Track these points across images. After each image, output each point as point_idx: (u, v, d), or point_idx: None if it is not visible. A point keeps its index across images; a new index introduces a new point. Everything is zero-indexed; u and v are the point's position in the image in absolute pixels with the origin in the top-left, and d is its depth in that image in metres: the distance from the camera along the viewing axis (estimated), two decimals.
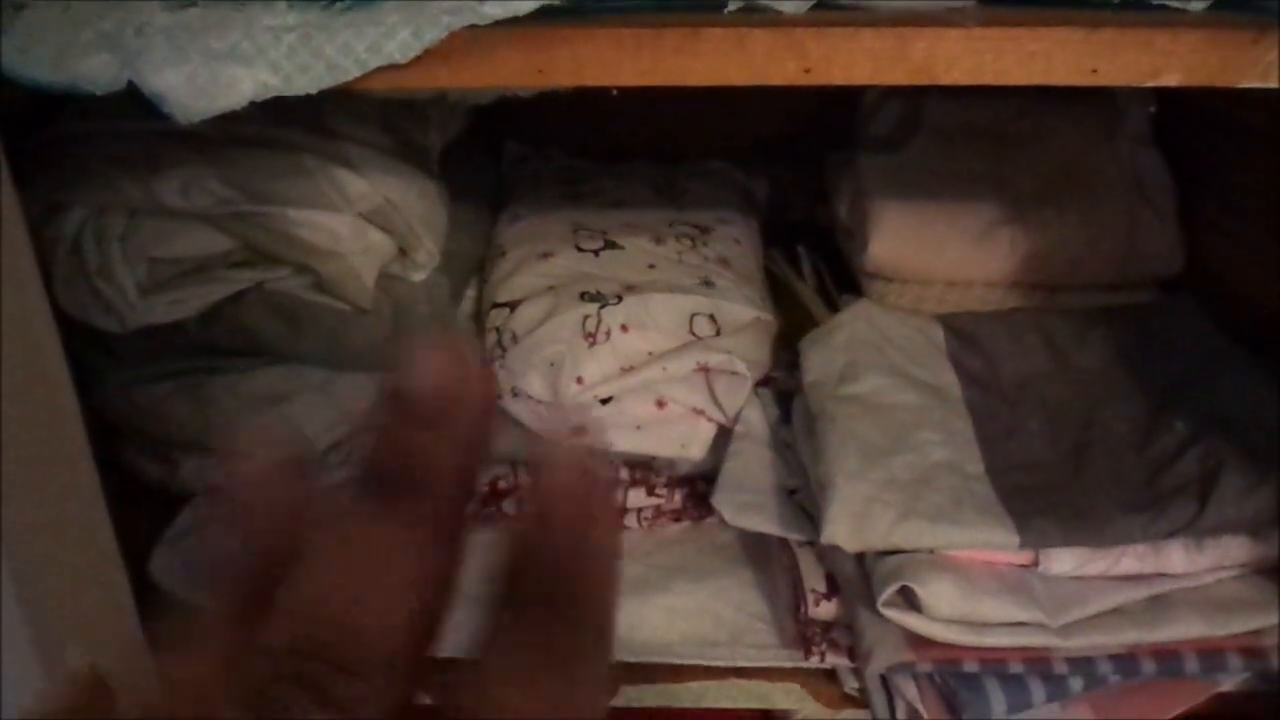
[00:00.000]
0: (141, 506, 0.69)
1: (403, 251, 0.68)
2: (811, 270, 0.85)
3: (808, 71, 0.45)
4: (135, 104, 0.43)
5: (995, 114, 0.80)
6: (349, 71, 0.44)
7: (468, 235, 0.77)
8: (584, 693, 0.18)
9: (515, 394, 0.66)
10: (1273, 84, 0.45)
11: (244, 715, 0.16)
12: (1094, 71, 0.45)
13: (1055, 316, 0.69)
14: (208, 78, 0.42)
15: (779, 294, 0.84)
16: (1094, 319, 0.69)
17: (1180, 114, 0.78)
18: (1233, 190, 0.74)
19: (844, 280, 0.81)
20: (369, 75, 0.45)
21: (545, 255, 0.72)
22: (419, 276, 0.69)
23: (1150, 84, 0.45)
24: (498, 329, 0.67)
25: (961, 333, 0.68)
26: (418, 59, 0.45)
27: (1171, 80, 0.45)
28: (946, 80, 0.45)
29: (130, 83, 0.42)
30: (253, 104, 0.63)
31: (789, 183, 0.94)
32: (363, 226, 0.65)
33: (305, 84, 0.44)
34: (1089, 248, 0.73)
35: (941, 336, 0.67)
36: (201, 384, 0.67)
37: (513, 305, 0.68)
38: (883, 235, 0.75)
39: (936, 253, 0.75)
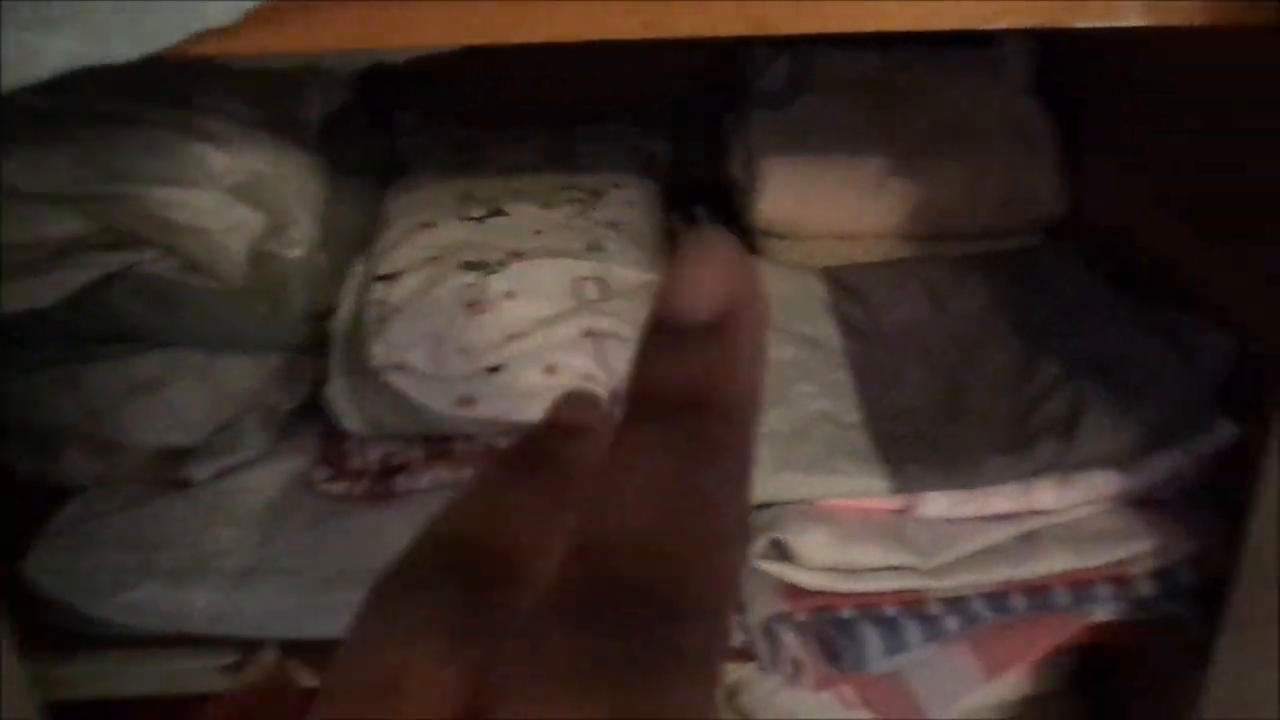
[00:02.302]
0: (26, 505, 0.67)
1: (277, 228, 0.67)
2: None
3: (646, 25, 0.44)
4: None
5: (882, 66, 0.80)
6: (171, 36, 0.42)
7: (354, 209, 0.76)
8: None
9: (399, 368, 0.65)
10: (1113, 22, 0.45)
11: None
12: (932, 16, 0.45)
13: (936, 264, 0.70)
14: (9, 48, 0.40)
15: None
16: (974, 265, 0.69)
17: (1065, 62, 0.79)
18: (1111, 135, 0.75)
19: (743, 239, 0.81)
20: (195, 40, 0.43)
21: (427, 225, 0.71)
22: (296, 253, 0.68)
23: (988, 27, 0.45)
24: (378, 302, 0.66)
25: (843, 285, 0.68)
26: (246, 22, 0.43)
27: (1008, 22, 0.45)
28: (785, 30, 0.45)
29: None
30: (106, 80, 0.61)
31: (690, 143, 0.94)
32: (229, 203, 0.63)
33: (124, 51, 0.42)
34: (974, 196, 0.74)
35: (823, 289, 0.68)
36: (76, 373, 0.65)
37: (393, 277, 0.67)
38: (772, 192, 0.75)
39: (826, 207, 0.75)
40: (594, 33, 0.44)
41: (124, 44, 0.42)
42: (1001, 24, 0.45)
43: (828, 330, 0.64)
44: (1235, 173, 0.59)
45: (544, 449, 0.19)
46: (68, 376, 0.66)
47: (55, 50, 0.40)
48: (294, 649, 0.58)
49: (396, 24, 0.43)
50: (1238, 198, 0.59)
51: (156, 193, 0.60)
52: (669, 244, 0.82)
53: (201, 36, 0.43)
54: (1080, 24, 0.45)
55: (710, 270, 0.16)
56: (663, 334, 0.15)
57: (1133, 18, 0.45)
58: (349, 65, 0.72)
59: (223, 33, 0.43)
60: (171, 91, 0.65)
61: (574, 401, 0.20)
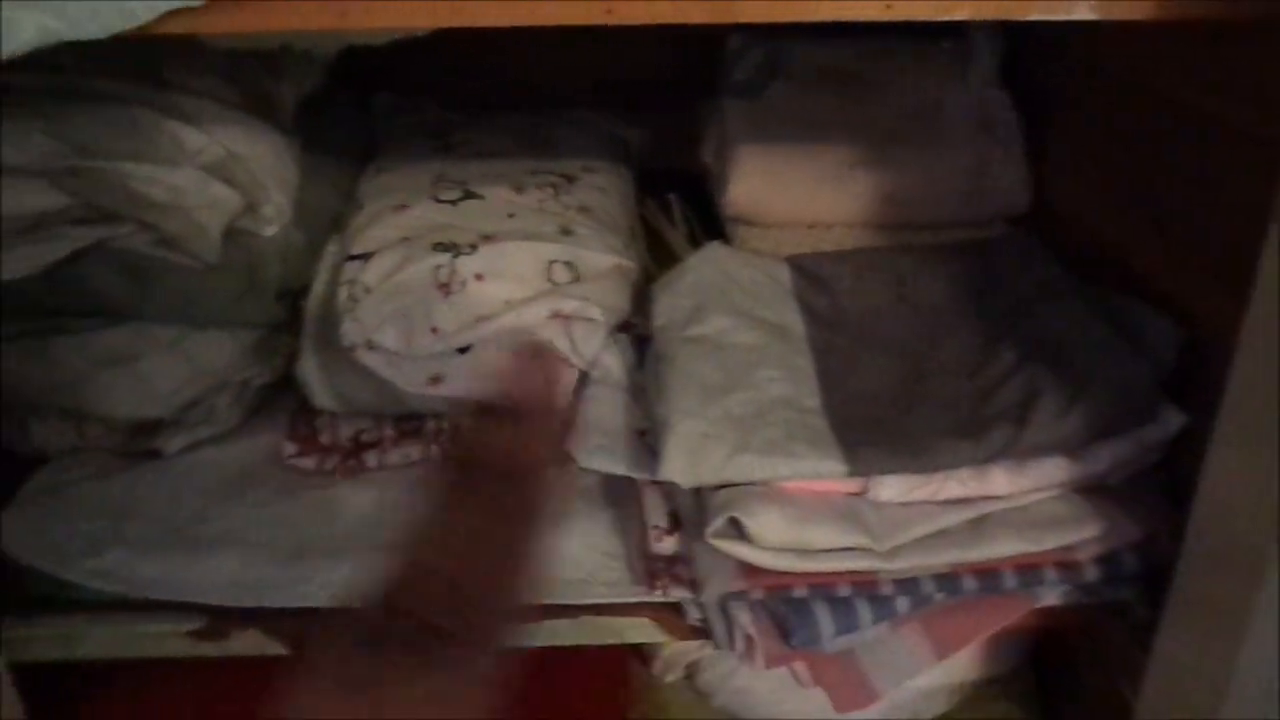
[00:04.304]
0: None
1: (251, 206, 0.67)
2: (682, 217, 0.86)
3: (609, 11, 0.45)
4: None
5: (853, 57, 0.81)
6: (138, 16, 0.43)
7: (330, 189, 0.77)
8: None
9: (370, 346, 0.65)
10: (1065, 16, 0.46)
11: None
12: (888, 7, 0.46)
13: (899, 253, 0.71)
14: None
15: (654, 242, 0.85)
16: (936, 254, 0.70)
17: (1031, 54, 0.80)
18: (1072, 126, 0.76)
19: (715, 226, 0.82)
20: (165, 19, 0.44)
21: (401, 207, 0.71)
22: (270, 231, 0.69)
23: (943, 18, 0.46)
24: (350, 281, 0.66)
25: (807, 272, 0.69)
26: (216, 2, 0.44)
27: (963, 14, 0.46)
28: (745, 18, 0.46)
29: None
30: (85, 59, 0.61)
31: (664, 130, 0.95)
32: (205, 180, 0.64)
33: (94, 28, 0.43)
34: (939, 186, 0.75)
35: (788, 276, 0.69)
36: (48, 344, 0.66)
37: (365, 257, 0.67)
38: (742, 179, 0.76)
39: (794, 195, 0.76)
40: (561, 18, 0.45)
41: (94, 22, 0.42)
42: (958, 15, 0.46)
43: (791, 317, 0.65)
44: (1186, 164, 0.60)
45: (490, 464, 0.24)
46: (39, 349, 0.66)
47: (29, 25, 0.41)
48: (257, 618, 0.59)
49: (362, 7, 0.44)
50: (1187, 188, 0.60)
51: (134, 169, 0.61)
52: (640, 230, 0.84)
53: (169, 16, 0.44)
54: (1033, 17, 0.46)
55: (524, 376, 0.24)
56: (485, 415, 0.23)
57: (1084, 12, 0.46)
58: (326, 47, 0.72)
59: (190, 13, 0.44)
60: (150, 71, 0.65)
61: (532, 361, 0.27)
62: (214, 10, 0.44)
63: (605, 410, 0.65)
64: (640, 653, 0.76)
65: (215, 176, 0.64)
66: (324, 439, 0.70)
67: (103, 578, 0.61)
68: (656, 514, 0.59)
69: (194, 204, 0.64)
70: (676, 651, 0.73)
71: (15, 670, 0.56)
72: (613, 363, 0.68)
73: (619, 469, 0.62)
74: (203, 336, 0.69)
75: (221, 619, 0.59)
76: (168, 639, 0.59)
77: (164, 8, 0.43)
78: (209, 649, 0.59)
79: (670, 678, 0.75)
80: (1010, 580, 0.56)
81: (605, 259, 0.71)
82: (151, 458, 0.69)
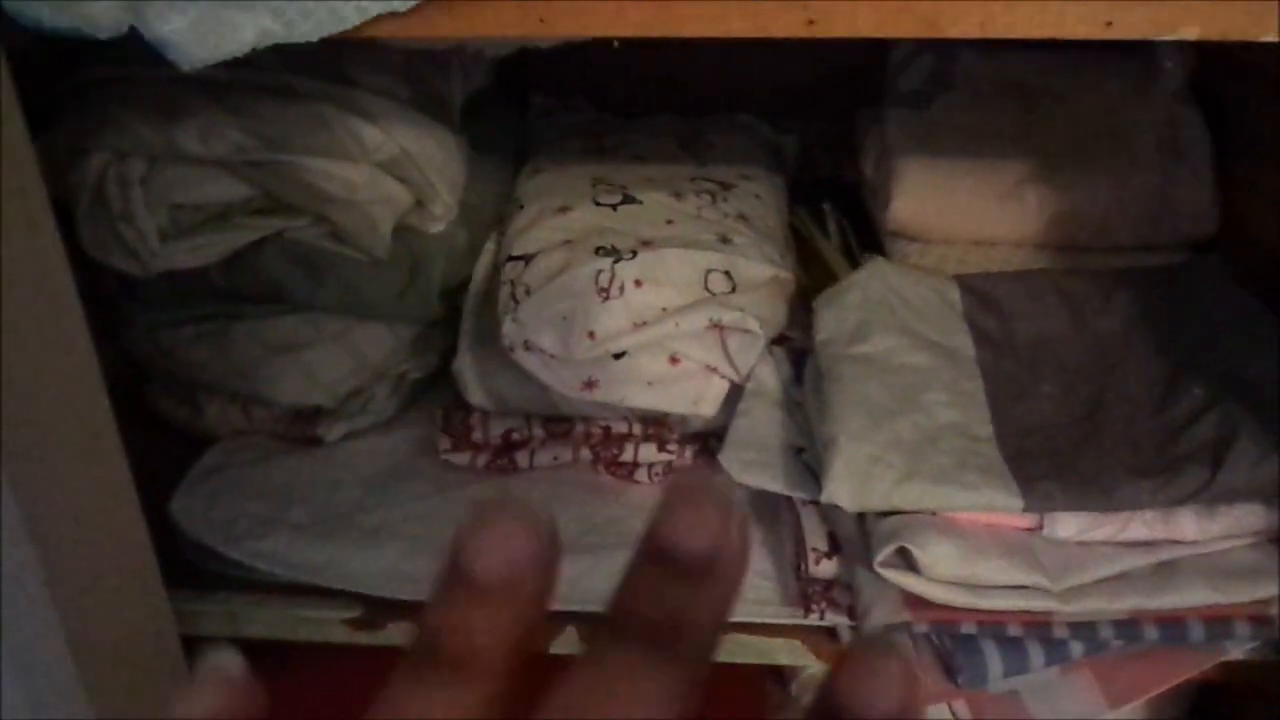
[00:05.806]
0: (169, 448, 0.71)
1: (420, 203, 0.69)
2: (836, 229, 0.84)
3: (811, 23, 0.44)
4: (149, 50, 0.44)
5: (1028, 70, 0.78)
6: (350, 19, 0.44)
7: (489, 188, 0.77)
8: None
9: (528, 347, 0.66)
10: None
11: None
12: (1109, 24, 0.44)
13: (1076, 277, 0.68)
14: (211, 23, 0.42)
15: (804, 253, 0.83)
16: (1116, 280, 0.67)
17: (1223, 70, 0.75)
18: (1268, 147, 0.71)
19: (870, 239, 0.80)
20: (372, 23, 0.45)
21: (562, 209, 0.72)
22: (436, 228, 0.70)
23: (1168, 37, 0.44)
24: (511, 282, 0.67)
25: (978, 293, 0.66)
26: (420, 7, 0.44)
27: (1190, 34, 0.43)
28: (953, 33, 0.44)
29: (133, 28, 0.42)
30: (271, 53, 0.63)
31: (818, 139, 0.93)
32: (379, 176, 0.65)
33: (307, 30, 0.44)
34: (1119, 207, 0.71)
35: (957, 296, 0.66)
36: (223, 329, 0.68)
37: (527, 258, 0.68)
38: (906, 193, 0.74)
39: (960, 212, 0.73)
40: (761, 30, 0.44)
41: (308, 24, 0.43)
42: (1184, 35, 0.43)
43: (960, 339, 0.63)
44: None
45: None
46: (216, 333, 0.69)
47: (250, 27, 0.42)
48: (412, 610, 0.60)
49: (568, 14, 0.44)
50: None
51: (313, 164, 0.63)
52: (791, 240, 0.82)
53: (377, 20, 0.45)
54: (1269, 38, 0.43)
55: (706, 510, 0.16)
56: (653, 560, 0.16)
57: None
58: (497, 48, 0.73)
59: (397, 17, 0.45)
60: (328, 65, 0.67)
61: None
62: (419, 15, 0.45)
63: (760, 425, 0.64)
64: (778, 672, 0.74)
65: (389, 173, 0.66)
66: (475, 436, 0.71)
67: (266, 559, 0.62)
68: (815, 535, 0.58)
69: (368, 199, 0.65)
70: (817, 674, 0.72)
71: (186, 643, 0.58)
72: (769, 376, 0.67)
73: (775, 486, 0.61)
74: (366, 329, 0.70)
75: (377, 609, 0.60)
76: (327, 625, 0.61)
77: (375, 10, 0.44)
78: (364, 637, 0.60)
79: (806, 700, 0.74)
80: (1197, 631, 0.52)
81: (763, 269, 0.70)
82: (311, 445, 0.71)
